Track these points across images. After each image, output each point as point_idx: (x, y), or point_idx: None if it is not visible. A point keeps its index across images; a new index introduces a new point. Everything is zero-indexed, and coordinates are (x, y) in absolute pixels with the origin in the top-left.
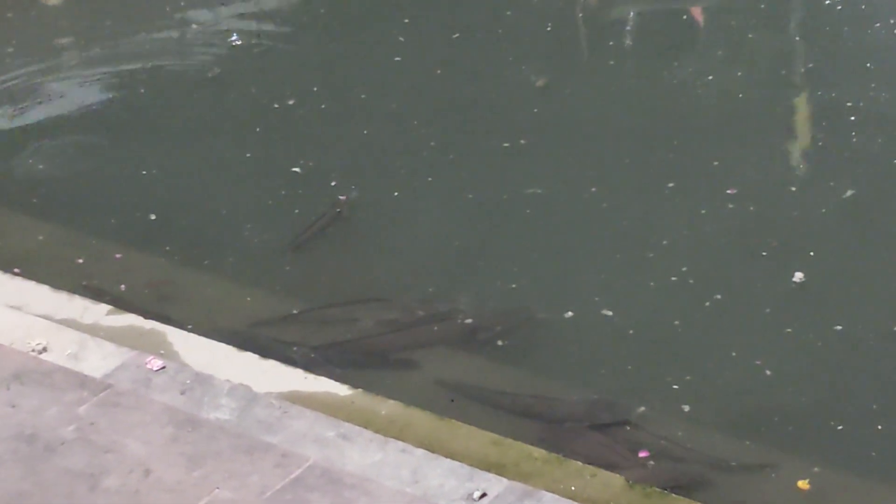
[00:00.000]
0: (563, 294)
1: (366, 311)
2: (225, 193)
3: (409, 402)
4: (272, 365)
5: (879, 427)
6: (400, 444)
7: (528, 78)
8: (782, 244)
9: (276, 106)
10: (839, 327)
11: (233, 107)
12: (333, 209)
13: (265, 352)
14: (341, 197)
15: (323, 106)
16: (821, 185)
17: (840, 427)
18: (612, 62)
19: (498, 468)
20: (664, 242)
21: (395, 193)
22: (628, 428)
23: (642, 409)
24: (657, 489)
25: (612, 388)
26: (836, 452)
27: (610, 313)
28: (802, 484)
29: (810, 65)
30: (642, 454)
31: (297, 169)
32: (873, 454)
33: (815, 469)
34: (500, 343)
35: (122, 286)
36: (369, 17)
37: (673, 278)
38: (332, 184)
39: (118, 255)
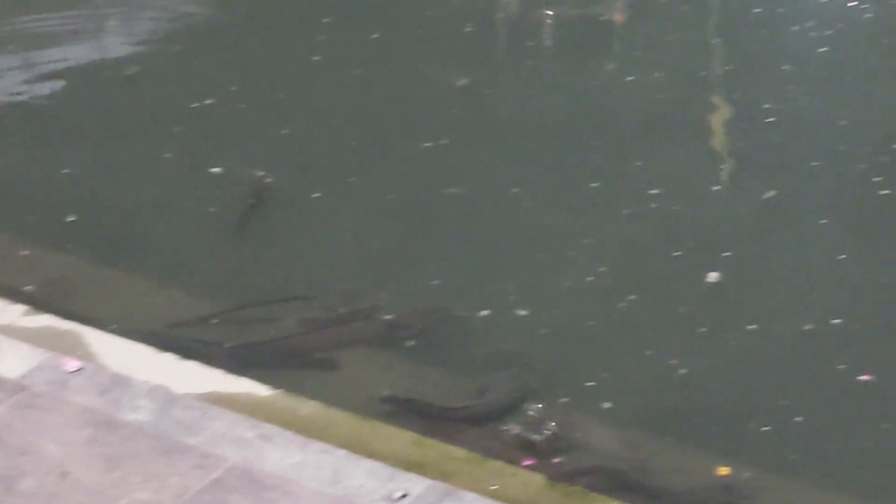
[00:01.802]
0: (481, 293)
1: (287, 311)
2: (143, 194)
3: (330, 403)
4: (192, 366)
5: (791, 423)
6: (321, 444)
7: (448, 78)
8: (701, 244)
9: (194, 105)
10: (753, 326)
11: (151, 106)
12: (257, 188)
13: (185, 352)
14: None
15: (242, 106)
16: (742, 187)
17: (753, 424)
18: (532, 63)
19: (419, 468)
20: (584, 242)
21: (316, 194)
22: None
23: (562, 401)
24: (578, 488)
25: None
26: (749, 447)
27: (524, 312)
28: (722, 470)
29: (729, 67)
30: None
31: (216, 169)
32: (786, 449)
33: (730, 464)
34: (416, 342)
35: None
36: (288, 16)
37: (590, 278)
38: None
39: (24, 252)
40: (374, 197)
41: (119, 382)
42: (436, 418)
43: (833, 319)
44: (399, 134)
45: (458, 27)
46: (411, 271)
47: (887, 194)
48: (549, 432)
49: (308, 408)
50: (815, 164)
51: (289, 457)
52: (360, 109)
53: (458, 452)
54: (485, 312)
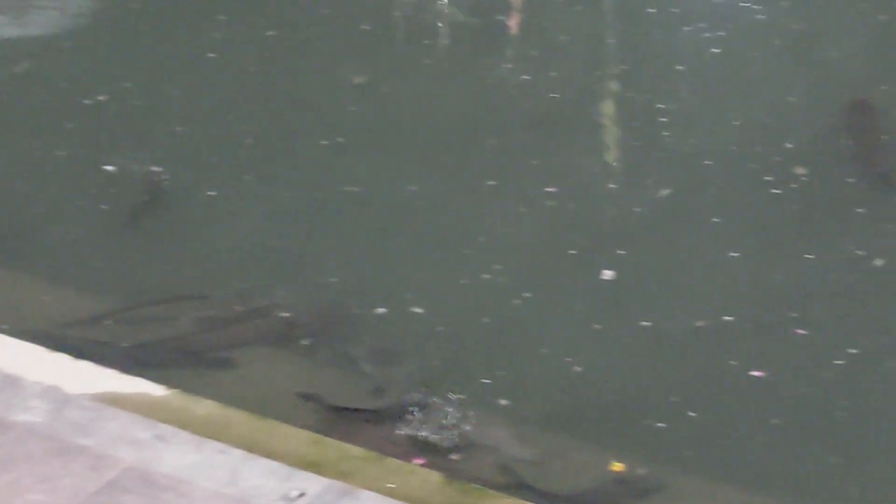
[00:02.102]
0: (377, 291)
1: (182, 310)
2: (36, 191)
3: (226, 402)
4: (86, 366)
5: (685, 419)
6: (217, 444)
7: (345, 76)
8: (596, 242)
9: (87, 102)
10: (646, 323)
11: (42, 103)
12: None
13: (78, 352)
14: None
15: (136, 102)
16: (637, 185)
17: (649, 420)
18: (429, 61)
19: (317, 467)
20: (481, 239)
21: (211, 192)
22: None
23: (458, 399)
24: (476, 486)
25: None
26: (645, 444)
27: (420, 310)
28: (615, 466)
29: (623, 66)
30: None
31: (109, 167)
32: (680, 445)
33: (626, 460)
34: (313, 340)
35: None
36: (182, 12)
37: (486, 276)
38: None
39: None
40: (271, 195)
41: (10, 383)
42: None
43: (725, 316)
44: (295, 132)
45: (354, 25)
46: (308, 269)
47: (778, 194)
48: (446, 430)
49: (204, 407)
50: (709, 163)
51: (185, 457)
52: (256, 107)
53: (356, 451)
54: (381, 310)
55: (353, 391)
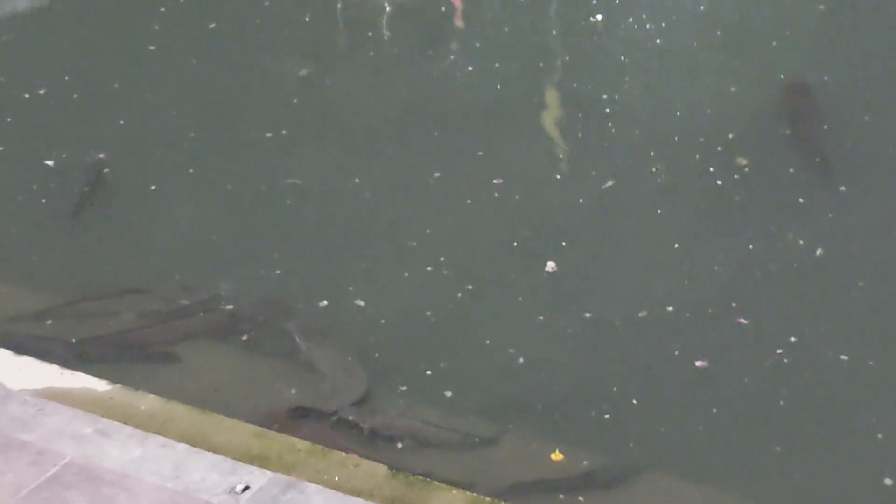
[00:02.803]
0: (321, 284)
1: (124, 304)
2: None
3: (170, 397)
4: (27, 361)
5: (627, 408)
6: (161, 438)
7: (289, 68)
8: (540, 234)
9: (26, 96)
10: (588, 314)
11: None
12: (96, 169)
13: (19, 348)
14: (99, 156)
15: (75, 96)
16: (581, 176)
17: (592, 410)
18: (372, 53)
19: (261, 461)
20: (427, 232)
21: (154, 185)
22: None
23: (402, 391)
24: (419, 477)
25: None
26: (584, 431)
27: (363, 303)
28: (555, 456)
29: (566, 58)
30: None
31: (49, 162)
32: (619, 431)
33: (570, 450)
34: (256, 333)
35: None
36: (122, 4)
37: (429, 268)
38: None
39: None
40: (214, 187)
41: None
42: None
43: (667, 307)
44: (239, 124)
45: (297, 17)
46: (252, 262)
47: (720, 185)
48: (388, 422)
49: (147, 402)
50: (652, 153)
51: (128, 452)
52: (199, 100)
53: (300, 444)
54: (324, 303)
55: (300, 385)
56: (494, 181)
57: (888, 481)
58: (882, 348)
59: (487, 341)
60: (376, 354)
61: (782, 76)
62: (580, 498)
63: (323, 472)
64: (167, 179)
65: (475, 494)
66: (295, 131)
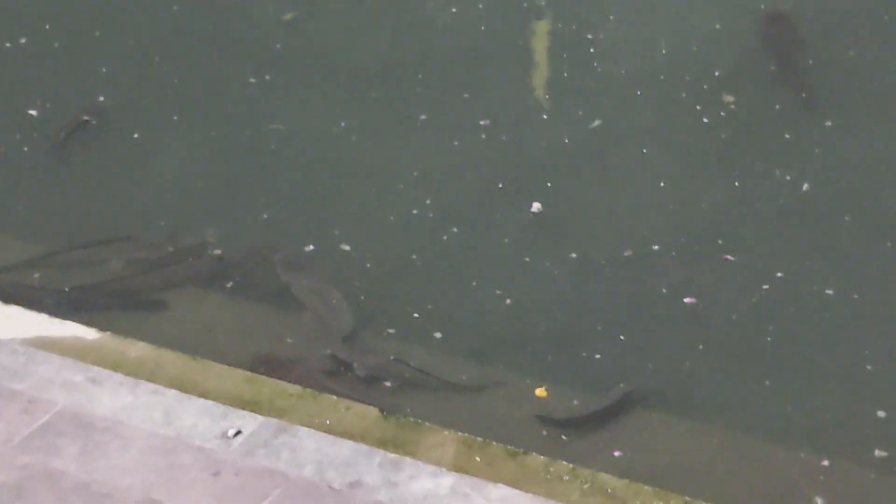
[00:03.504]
0: (307, 228)
1: (112, 252)
2: None
3: (159, 344)
4: (16, 311)
5: (612, 345)
6: (151, 385)
7: (273, 12)
8: (526, 175)
9: (7, 45)
10: (574, 255)
11: None
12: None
13: (8, 298)
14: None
15: (56, 44)
16: (569, 117)
17: (578, 347)
18: None
19: (253, 406)
20: (414, 174)
21: (136, 135)
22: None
23: (390, 334)
24: (411, 419)
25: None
26: (573, 370)
27: (348, 248)
28: (540, 392)
29: None
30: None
31: (33, 111)
32: (607, 369)
33: (556, 385)
34: (244, 279)
35: None
36: None
37: (415, 211)
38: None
39: None
40: (199, 134)
41: None
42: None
43: (653, 245)
44: (224, 69)
45: None
46: (238, 208)
47: (707, 123)
48: (379, 364)
49: (137, 349)
50: (639, 93)
51: (119, 399)
52: (182, 46)
53: (292, 388)
54: (310, 248)
55: (290, 330)
56: (481, 122)
57: (881, 413)
58: (867, 281)
59: (474, 283)
60: (362, 297)
61: (762, 6)
62: (563, 437)
63: (314, 416)
64: (152, 126)
65: (466, 435)
66: (279, 76)
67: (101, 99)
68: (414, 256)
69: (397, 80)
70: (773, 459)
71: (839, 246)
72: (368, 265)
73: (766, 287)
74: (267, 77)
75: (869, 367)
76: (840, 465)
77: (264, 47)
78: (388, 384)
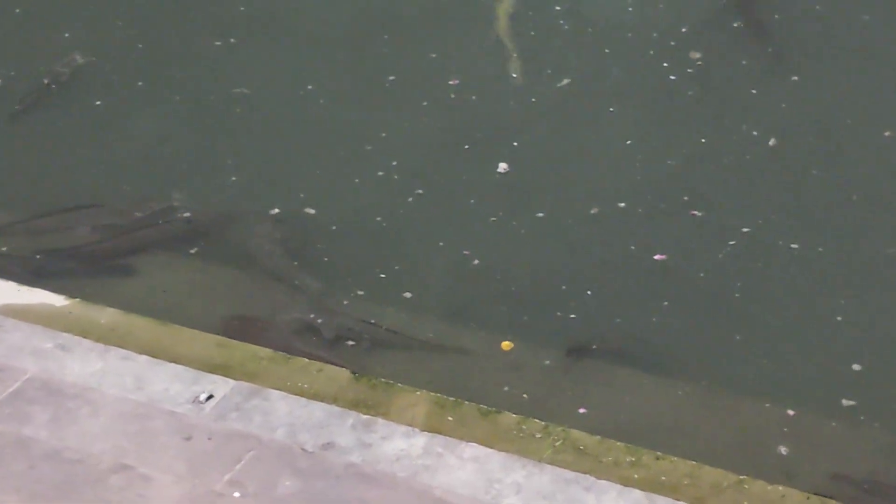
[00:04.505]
0: (273, 192)
1: (79, 219)
2: None
3: (129, 309)
4: None
5: (581, 303)
6: (122, 351)
7: None
8: (493, 135)
9: None
10: (541, 214)
11: None
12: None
13: None
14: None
15: (17, 10)
16: (539, 76)
17: (547, 305)
18: None
19: (224, 370)
20: (382, 135)
21: (98, 102)
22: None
23: (359, 295)
24: (383, 380)
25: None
26: (542, 328)
27: (313, 211)
28: (506, 345)
29: None
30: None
31: None
32: (577, 326)
33: (526, 343)
34: (212, 243)
35: None
36: None
37: (380, 173)
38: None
39: None
40: (164, 99)
41: None
42: None
43: (619, 203)
44: (187, 34)
45: None
46: (205, 172)
47: (674, 80)
48: (349, 325)
49: (107, 315)
50: (607, 51)
51: (89, 365)
52: (145, 10)
53: (263, 352)
54: (275, 211)
55: (259, 294)
56: (450, 82)
57: (857, 367)
58: (832, 235)
59: (441, 244)
60: (325, 259)
61: None
62: (524, 395)
63: (286, 379)
64: (116, 92)
65: (438, 395)
66: (244, 39)
67: (79, 60)
68: (379, 218)
69: (364, 41)
70: (740, 412)
71: (805, 200)
72: (334, 228)
73: (732, 242)
74: (232, 40)
75: (839, 318)
76: (805, 415)
77: (229, 10)
78: (359, 345)
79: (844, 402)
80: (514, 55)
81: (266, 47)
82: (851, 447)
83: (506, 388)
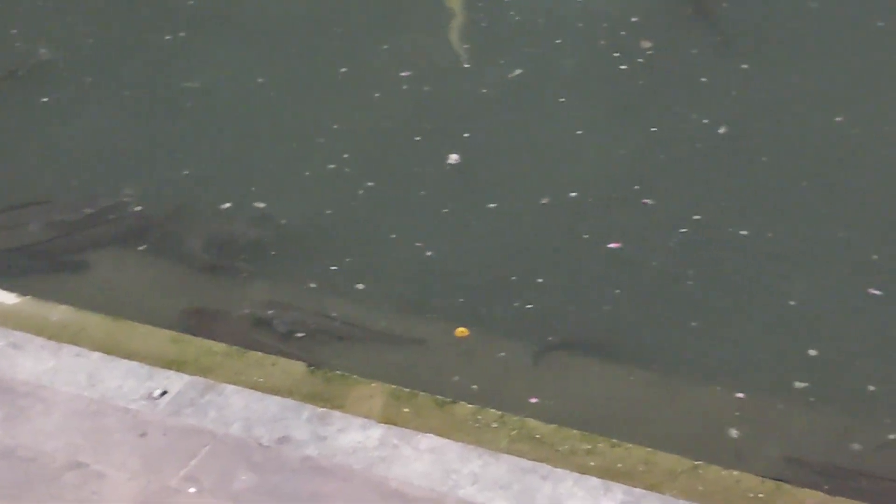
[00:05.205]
0: (225, 187)
1: (29, 216)
2: None
3: (81, 306)
4: None
5: (534, 292)
6: (75, 348)
7: None
8: (445, 126)
9: None
10: (493, 205)
11: None
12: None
13: None
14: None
15: None
16: (491, 66)
17: (499, 298)
18: None
19: (178, 365)
20: (334, 127)
21: (44, 99)
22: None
23: (312, 288)
24: (338, 373)
25: (263, 276)
26: (496, 318)
27: (262, 205)
28: (461, 331)
29: None
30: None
31: None
32: (529, 317)
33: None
34: (164, 238)
35: None
36: None
37: (331, 166)
38: None
39: None
40: (114, 94)
41: None
42: None
43: (571, 193)
44: (136, 28)
45: None
46: (156, 167)
47: (625, 69)
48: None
49: (59, 313)
50: (558, 41)
51: (42, 363)
52: (94, 4)
53: (217, 347)
54: (227, 205)
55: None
56: (402, 74)
57: (812, 352)
58: (781, 220)
59: (393, 236)
60: (273, 253)
61: None
62: (480, 385)
63: (241, 373)
64: (65, 87)
65: (394, 386)
66: (194, 34)
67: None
68: (330, 211)
69: (315, 33)
70: (694, 398)
71: (755, 187)
72: (284, 221)
73: (684, 230)
74: (182, 34)
75: (792, 303)
76: (757, 398)
77: (178, 4)
78: (314, 338)
79: (797, 384)
80: (466, 46)
81: (216, 41)
82: (804, 430)
83: (461, 379)
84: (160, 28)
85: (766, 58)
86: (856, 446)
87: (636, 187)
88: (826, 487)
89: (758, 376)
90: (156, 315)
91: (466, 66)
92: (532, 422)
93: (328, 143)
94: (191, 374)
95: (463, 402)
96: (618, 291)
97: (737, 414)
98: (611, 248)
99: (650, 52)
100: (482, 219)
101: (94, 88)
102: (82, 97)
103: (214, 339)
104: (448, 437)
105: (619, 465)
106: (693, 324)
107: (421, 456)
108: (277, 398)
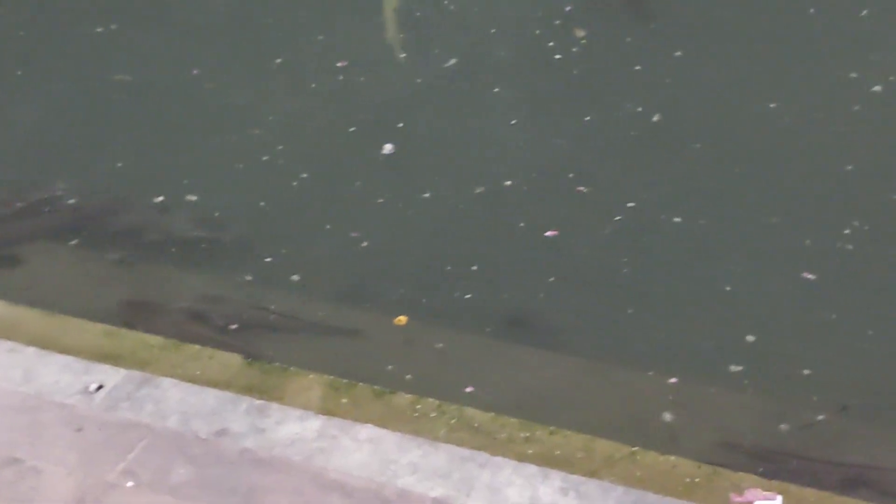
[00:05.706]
0: (158, 180)
1: None
2: None
3: (14, 301)
4: None
5: (469, 281)
6: (9, 343)
7: None
8: (380, 116)
9: None
10: (427, 194)
11: None
12: None
13: None
14: None
15: None
16: (426, 56)
17: (435, 287)
18: None
19: (114, 359)
20: (270, 119)
21: None
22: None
23: (247, 280)
24: (276, 364)
25: (198, 269)
26: (430, 308)
27: (194, 198)
28: (399, 320)
29: None
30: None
31: None
32: (465, 305)
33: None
34: (97, 231)
35: None
36: None
37: (265, 157)
38: None
39: None
40: (44, 87)
41: None
42: None
43: (506, 181)
44: (67, 20)
45: None
46: (89, 161)
47: (559, 59)
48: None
49: None
50: (493, 31)
51: None
52: None
53: (153, 340)
54: (159, 199)
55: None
56: (338, 64)
57: (750, 338)
58: (714, 207)
59: (328, 226)
60: (203, 246)
61: None
62: (417, 375)
63: (178, 366)
64: None
65: (332, 377)
66: (126, 25)
67: None
68: (263, 203)
69: (250, 24)
70: (630, 384)
71: (689, 174)
72: (217, 214)
73: (618, 217)
74: (113, 26)
75: (728, 288)
76: (691, 382)
77: None
78: (250, 330)
79: (732, 367)
80: (401, 35)
81: (149, 33)
82: (738, 413)
83: (399, 369)
84: (91, 20)
85: (700, 45)
86: (787, 427)
87: (571, 175)
88: (760, 470)
89: (693, 361)
90: (90, 309)
91: (402, 56)
92: (470, 410)
93: (263, 134)
94: (127, 367)
95: (401, 392)
96: (553, 279)
97: (671, 398)
98: (547, 237)
99: (584, 42)
100: (417, 208)
101: (25, 81)
102: (13, 90)
103: (152, 332)
104: (387, 428)
105: (558, 453)
106: (629, 310)
107: (360, 447)
108: (215, 391)
